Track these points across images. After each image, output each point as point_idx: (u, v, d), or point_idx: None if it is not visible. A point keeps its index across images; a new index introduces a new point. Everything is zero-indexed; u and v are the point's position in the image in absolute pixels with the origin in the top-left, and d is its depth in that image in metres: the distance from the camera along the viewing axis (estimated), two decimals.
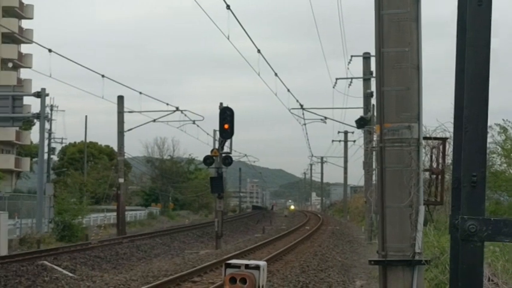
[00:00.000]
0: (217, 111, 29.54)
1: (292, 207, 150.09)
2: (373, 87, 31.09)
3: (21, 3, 74.10)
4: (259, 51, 25.71)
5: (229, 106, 29.49)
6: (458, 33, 3.94)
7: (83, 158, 74.13)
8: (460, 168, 3.74)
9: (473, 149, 3.65)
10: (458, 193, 3.80)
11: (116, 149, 49.16)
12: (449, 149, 17.65)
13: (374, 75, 10.04)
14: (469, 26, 3.73)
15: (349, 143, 68.28)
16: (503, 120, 30.82)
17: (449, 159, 18.32)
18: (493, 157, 30.48)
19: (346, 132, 66.50)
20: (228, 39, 22.03)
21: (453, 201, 3.91)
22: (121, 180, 42.19)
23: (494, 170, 30.15)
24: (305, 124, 44.04)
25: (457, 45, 3.93)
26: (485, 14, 3.67)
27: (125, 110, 42.71)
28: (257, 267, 10.53)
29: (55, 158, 79.23)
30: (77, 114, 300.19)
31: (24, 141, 76.43)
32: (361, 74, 36.38)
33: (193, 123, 44.24)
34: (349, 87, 38.37)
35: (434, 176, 18.68)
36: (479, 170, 3.63)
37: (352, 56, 36.83)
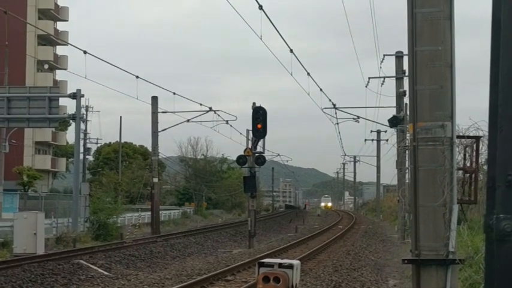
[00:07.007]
0: (250, 111, 29.63)
1: (330, 204, 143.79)
2: (406, 86, 30.84)
3: (56, 6, 75.12)
4: (291, 51, 25.70)
5: (262, 106, 29.58)
6: (493, 31, 3.92)
7: (118, 157, 74.91)
8: (495, 167, 3.71)
9: (508, 148, 3.62)
10: (493, 192, 3.76)
11: (150, 148, 49.58)
12: (483, 147, 17.44)
13: (407, 74, 10.00)
14: (503, 24, 3.71)
15: (382, 142, 67.95)
16: None
17: (482, 158, 18.11)
18: None
19: (378, 131, 66.19)
20: (261, 39, 22.08)
21: (488, 200, 3.87)
22: (155, 179, 42.52)
23: None
24: (338, 123, 43.93)
25: (492, 43, 3.91)
26: None
27: (159, 110, 43.04)
28: (290, 266, 10.55)
29: (90, 158, 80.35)
30: (112, 115, 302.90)
31: (60, 141, 77.63)
32: (393, 73, 36.15)
33: (227, 123, 44.41)
34: (381, 86, 38.21)
35: (468, 174, 18.46)
36: None
37: (384, 55, 36.63)
